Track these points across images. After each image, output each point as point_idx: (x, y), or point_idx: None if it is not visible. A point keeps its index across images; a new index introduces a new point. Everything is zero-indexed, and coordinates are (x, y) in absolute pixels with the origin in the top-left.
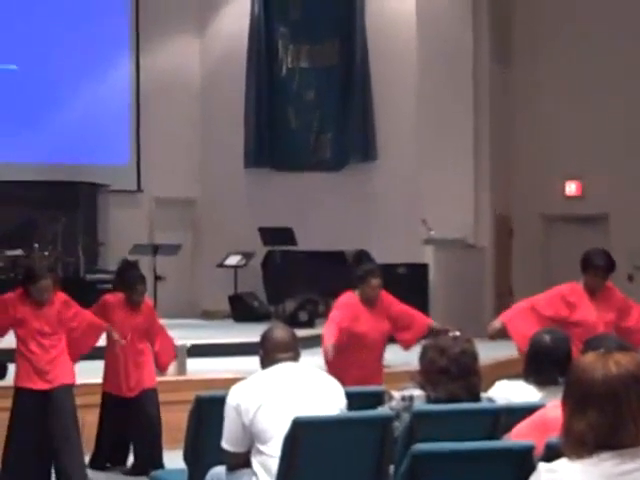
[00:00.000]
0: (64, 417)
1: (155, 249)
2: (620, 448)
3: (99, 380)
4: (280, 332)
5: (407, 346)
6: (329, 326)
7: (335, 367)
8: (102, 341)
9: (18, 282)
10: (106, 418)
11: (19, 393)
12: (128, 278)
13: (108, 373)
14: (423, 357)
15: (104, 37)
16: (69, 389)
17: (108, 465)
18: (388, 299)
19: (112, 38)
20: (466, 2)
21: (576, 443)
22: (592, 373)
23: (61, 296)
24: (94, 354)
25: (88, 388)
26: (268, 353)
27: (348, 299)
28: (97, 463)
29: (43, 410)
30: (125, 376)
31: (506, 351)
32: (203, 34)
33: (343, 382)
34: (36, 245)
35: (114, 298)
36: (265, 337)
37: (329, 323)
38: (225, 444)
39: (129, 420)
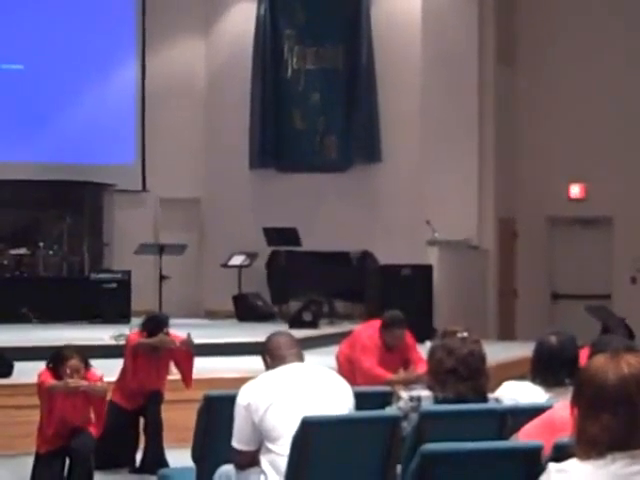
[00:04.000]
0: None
1: (161, 249)
2: (632, 449)
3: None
4: (282, 335)
5: None
6: (373, 371)
7: None
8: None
9: (23, 280)
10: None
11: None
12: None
13: (120, 387)
14: (431, 357)
15: (110, 38)
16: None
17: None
18: (409, 343)
19: (118, 39)
20: (471, 5)
21: (589, 445)
22: (604, 375)
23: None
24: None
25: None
26: (274, 354)
27: (370, 341)
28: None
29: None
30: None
31: (512, 352)
32: (209, 35)
33: None
34: (41, 244)
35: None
36: (268, 341)
37: (370, 370)
38: (236, 443)
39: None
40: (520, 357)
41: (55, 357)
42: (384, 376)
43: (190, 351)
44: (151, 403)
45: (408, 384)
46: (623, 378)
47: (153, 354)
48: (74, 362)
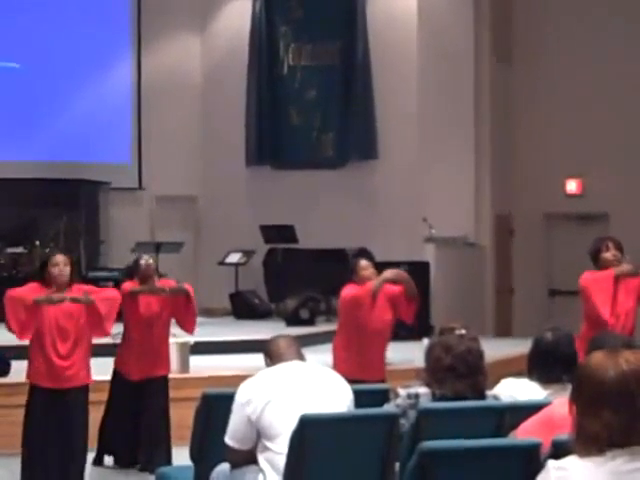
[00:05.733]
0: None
1: (158, 247)
2: (633, 446)
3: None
4: (282, 337)
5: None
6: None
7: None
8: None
9: (20, 279)
10: (114, 402)
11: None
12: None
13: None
14: (429, 355)
15: (106, 35)
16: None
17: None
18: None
19: (114, 36)
20: (467, 2)
21: (589, 442)
22: (604, 372)
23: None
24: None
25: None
26: (273, 354)
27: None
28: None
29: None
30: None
31: (509, 349)
32: (204, 32)
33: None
34: (37, 243)
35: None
36: (269, 343)
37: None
38: (229, 440)
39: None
40: (517, 354)
41: (41, 262)
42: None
43: (183, 297)
44: (155, 393)
45: None
46: (623, 374)
47: (151, 296)
48: (58, 257)
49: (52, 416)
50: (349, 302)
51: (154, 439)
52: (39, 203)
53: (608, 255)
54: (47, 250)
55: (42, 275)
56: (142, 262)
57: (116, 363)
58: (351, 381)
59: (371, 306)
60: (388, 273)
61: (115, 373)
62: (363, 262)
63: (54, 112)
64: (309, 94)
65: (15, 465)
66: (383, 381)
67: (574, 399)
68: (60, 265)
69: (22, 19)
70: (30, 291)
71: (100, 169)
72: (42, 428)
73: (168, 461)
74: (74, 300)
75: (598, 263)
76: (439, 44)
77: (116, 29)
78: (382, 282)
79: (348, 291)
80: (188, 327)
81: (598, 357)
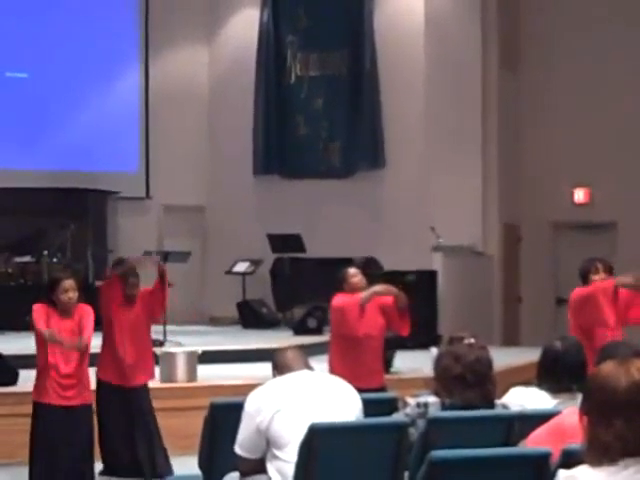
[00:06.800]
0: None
1: (165, 256)
2: None
3: None
4: (289, 349)
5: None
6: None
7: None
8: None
9: (27, 288)
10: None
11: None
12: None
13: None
14: (438, 364)
15: (114, 45)
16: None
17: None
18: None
19: (121, 46)
20: (474, 10)
21: (600, 452)
22: (615, 381)
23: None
24: None
25: None
26: (281, 365)
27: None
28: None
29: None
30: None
31: (517, 357)
32: (212, 43)
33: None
34: (45, 252)
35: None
36: (276, 355)
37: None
38: (238, 449)
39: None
40: (525, 363)
41: (49, 282)
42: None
43: (162, 282)
44: (139, 398)
45: None
46: (635, 384)
47: (128, 303)
48: (67, 283)
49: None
50: (338, 312)
51: (152, 447)
52: (47, 212)
53: (597, 278)
54: (55, 260)
55: (50, 297)
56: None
57: (99, 373)
58: None
59: (360, 315)
60: (378, 287)
61: (99, 383)
62: (351, 270)
63: (62, 122)
64: (316, 103)
65: (18, 474)
66: (383, 388)
67: (585, 409)
68: (69, 292)
69: (31, 29)
70: (38, 318)
71: (108, 178)
72: (53, 443)
73: (168, 464)
74: (71, 348)
75: (587, 284)
76: (446, 53)
77: (124, 39)
78: (371, 294)
79: (337, 301)
80: (157, 311)
81: (609, 367)
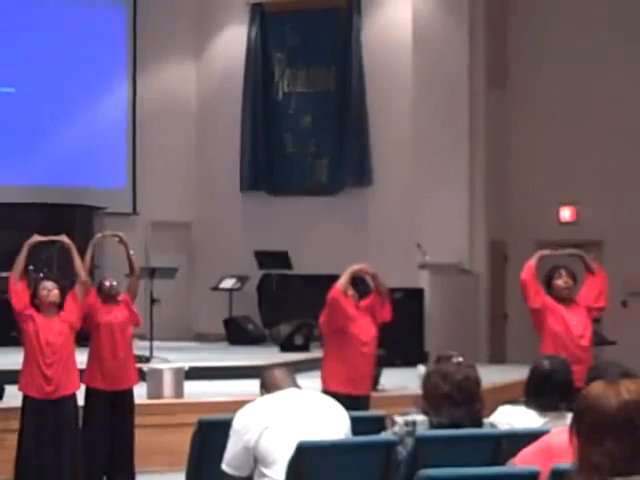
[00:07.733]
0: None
1: (152, 272)
2: (635, 475)
3: None
4: (277, 368)
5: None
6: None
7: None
8: None
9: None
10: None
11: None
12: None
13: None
14: (426, 382)
15: (102, 61)
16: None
17: None
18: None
19: (110, 62)
20: (462, 27)
21: (591, 472)
22: (605, 401)
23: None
24: None
25: None
26: (269, 385)
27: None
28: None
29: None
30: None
31: (504, 375)
32: (200, 59)
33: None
34: (31, 267)
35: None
36: (264, 374)
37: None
38: (226, 466)
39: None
40: (511, 380)
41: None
42: None
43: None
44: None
45: None
46: (625, 403)
47: (108, 302)
48: (46, 282)
49: (46, 426)
50: (332, 303)
51: (126, 455)
52: (33, 227)
53: (560, 282)
54: (41, 275)
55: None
56: (106, 283)
57: (85, 380)
58: (341, 395)
59: (354, 311)
60: (355, 266)
61: (87, 391)
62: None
63: (49, 137)
64: (304, 120)
65: None
66: (369, 396)
67: (575, 429)
68: (48, 287)
69: (18, 44)
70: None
71: (95, 194)
72: (37, 437)
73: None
74: None
75: (550, 290)
76: (434, 70)
77: (112, 54)
78: (350, 273)
79: (331, 294)
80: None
81: (599, 387)
